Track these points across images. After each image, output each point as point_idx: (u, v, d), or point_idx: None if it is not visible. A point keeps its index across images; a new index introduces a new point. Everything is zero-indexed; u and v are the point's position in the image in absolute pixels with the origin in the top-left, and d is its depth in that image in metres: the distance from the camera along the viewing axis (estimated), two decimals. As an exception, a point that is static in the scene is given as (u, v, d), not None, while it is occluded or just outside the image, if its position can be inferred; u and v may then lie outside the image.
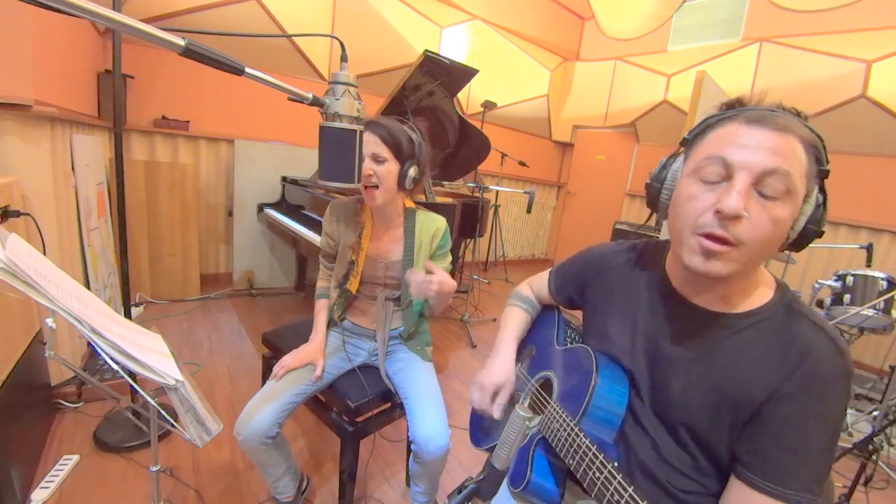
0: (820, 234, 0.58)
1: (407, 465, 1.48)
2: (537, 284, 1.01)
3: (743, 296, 0.63)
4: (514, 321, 0.98)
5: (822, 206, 0.58)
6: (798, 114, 0.58)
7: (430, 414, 1.14)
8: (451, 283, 1.04)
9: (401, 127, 1.17)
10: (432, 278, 0.99)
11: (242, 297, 3.07)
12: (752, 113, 0.57)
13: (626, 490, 0.56)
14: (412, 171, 1.16)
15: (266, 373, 1.44)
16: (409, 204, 1.29)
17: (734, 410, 0.60)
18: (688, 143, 0.65)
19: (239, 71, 0.57)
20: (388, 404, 1.26)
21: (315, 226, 2.32)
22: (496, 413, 0.87)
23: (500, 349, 0.93)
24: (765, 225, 0.54)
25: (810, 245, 0.60)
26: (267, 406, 1.09)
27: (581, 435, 0.65)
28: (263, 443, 1.10)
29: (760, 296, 0.63)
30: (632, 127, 4.68)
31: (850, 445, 1.60)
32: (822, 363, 0.56)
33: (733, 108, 0.60)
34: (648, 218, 0.73)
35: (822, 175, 0.57)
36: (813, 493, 0.55)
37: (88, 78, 2.26)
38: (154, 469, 0.99)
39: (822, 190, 0.58)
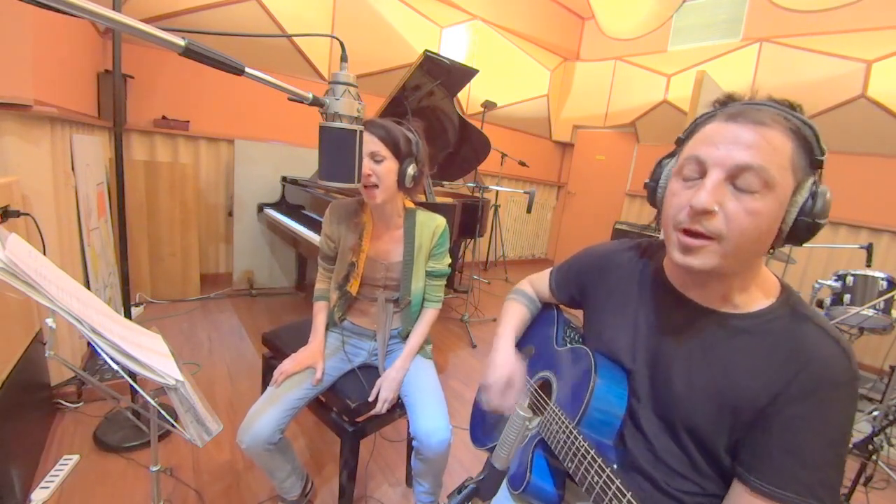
0: (815, 227, 0.55)
1: (408, 465, 1.48)
2: (538, 282, 1.01)
3: (745, 296, 0.63)
4: (513, 316, 0.97)
5: (815, 197, 0.55)
6: (791, 106, 0.57)
7: (430, 409, 1.14)
8: (396, 383, 1.19)
9: (397, 126, 1.17)
10: (382, 401, 1.16)
11: (242, 297, 3.06)
12: (732, 109, 0.58)
13: (624, 496, 0.55)
14: (411, 170, 1.17)
15: (266, 373, 1.44)
16: (409, 204, 1.29)
17: (735, 412, 0.60)
18: (681, 143, 0.65)
19: (239, 71, 0.57)
20: (388, 404, 1.26)
21: (315, 226, 2.32)
22: (510, 407, 0.82)
23: (497, 345, 0.92)
24: (741, 218, 0.54)
25: (810, 244, 0.59)
26: (268, 412, 1.09)
27: (580, 438, 0.65)
28: (267, 449, 1.10)
29: (764, 298, 0.63)
30: (632, 127, 4.68)
31: (850, 445, 1.60)
32: (828, 367, 0.55)
33: (721, 106, 0.61)
34: (656, 217, 0.74)
35: (816, 165, 0.56)
36: (820, 499, 0.53)
37: (88, 78, 2.26)
38: (154, 469, 0.99)
39: (820, 180, 0.56)
